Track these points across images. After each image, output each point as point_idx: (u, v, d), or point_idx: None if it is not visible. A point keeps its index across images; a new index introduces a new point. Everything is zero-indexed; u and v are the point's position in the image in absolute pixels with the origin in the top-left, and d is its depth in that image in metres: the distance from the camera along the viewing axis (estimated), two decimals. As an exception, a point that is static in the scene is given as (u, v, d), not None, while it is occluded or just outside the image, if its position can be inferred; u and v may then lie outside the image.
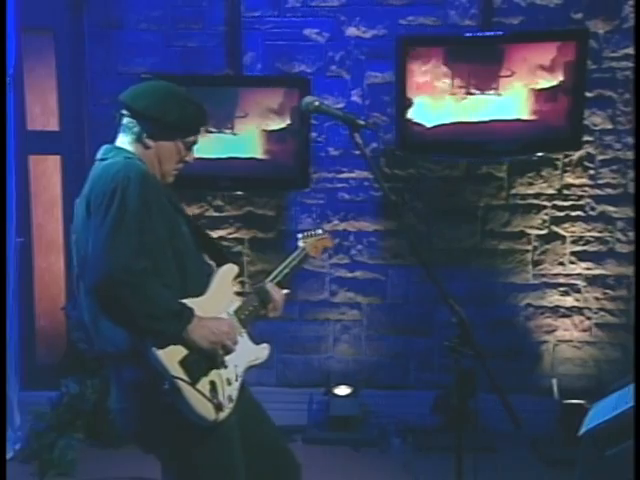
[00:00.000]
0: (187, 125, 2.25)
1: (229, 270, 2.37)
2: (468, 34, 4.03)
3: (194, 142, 2.30)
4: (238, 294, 2.41)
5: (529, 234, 4.33)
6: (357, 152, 3.90)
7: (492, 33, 4.03)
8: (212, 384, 2.15)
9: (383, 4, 4.22)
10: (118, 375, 2.18)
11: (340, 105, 4.26)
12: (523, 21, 4.19)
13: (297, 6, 4.25)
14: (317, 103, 2.28)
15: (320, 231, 2.79)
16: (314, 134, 4.25)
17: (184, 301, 2.13)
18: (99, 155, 2.26)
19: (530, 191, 4.30)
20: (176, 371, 2.08)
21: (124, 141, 2.24)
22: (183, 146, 2.27)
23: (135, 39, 4.28)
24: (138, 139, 2.23)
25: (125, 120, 2.24)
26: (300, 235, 2.71)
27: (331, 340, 4.36)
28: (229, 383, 2.22)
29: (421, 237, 4.16)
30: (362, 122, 2.20)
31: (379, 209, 4.32)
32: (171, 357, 2.09)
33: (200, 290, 2.23)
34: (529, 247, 4.33)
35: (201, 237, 2.35)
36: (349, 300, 4.39)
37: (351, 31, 4.26)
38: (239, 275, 2.44)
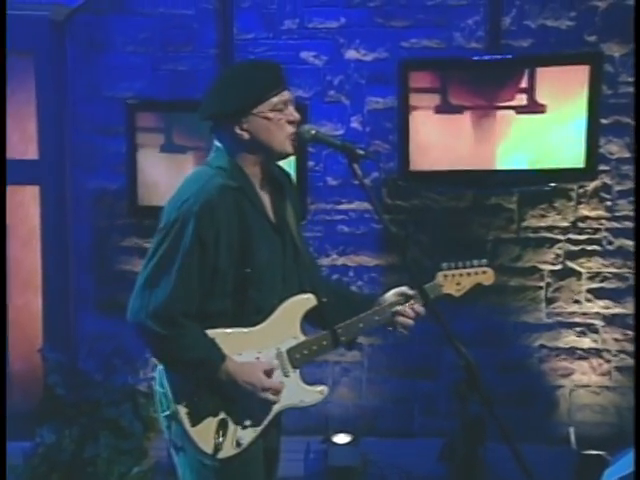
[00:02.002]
0: (255, 95, 2.22)
1: (301, 302, 2.35)
2: (476, 57, 4.03)
3: (283, 102, 2.25)
4: (322, 325, 2.38)
5: (542, 270, 4.30)
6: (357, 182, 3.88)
7: (500, 56, 4.03)
8: (222, 423, 2.25)
9: (384, 26, 4.20)
10: None
11: (339, 132, 4.24)
12: (533, 44, 4.17)
13: (293, 28, 4.23)
14: (314, 131, 2.29)
15: (476, 263, 2.56)
16: (311, 163, 4.21)
17: (227, 331, 2.22)
18: (209, 155, 2.32)
19: (542, 224, 4.28)
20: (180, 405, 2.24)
21: (221, 146, 2.29)
22: (273, 112, 2.23)
23: (121, 62, 4.26)
24: (230, 139, 2.25)
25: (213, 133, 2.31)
26: (445, 265, 2.53)
27: (329, 383, 4.31)
28: (244, 427, 2.28)
29: (426, 272, 3.87)
30: (361, 151, 2.21)
31: (381, 243, 4.29)
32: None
33: (260, 319, 2.28)
34: (542, 284, 4.30)
35: (297, 261, 2.35)
36: None
37: (350, 54, 4.24)
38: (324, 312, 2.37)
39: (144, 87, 4.26)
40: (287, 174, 2.47)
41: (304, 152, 4.02)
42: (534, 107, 3.94)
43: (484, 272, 2.56)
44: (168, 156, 4.03)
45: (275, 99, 2.24)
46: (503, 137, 3.99)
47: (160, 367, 2.32)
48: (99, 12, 4.24)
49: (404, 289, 2.45)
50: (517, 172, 3.99)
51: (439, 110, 3.96)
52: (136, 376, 4.24)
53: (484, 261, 2.55)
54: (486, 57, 4.03)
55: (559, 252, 4.29)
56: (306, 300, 2.37)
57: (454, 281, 2.53)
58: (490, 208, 4.26)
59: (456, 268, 2.53)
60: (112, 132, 4.23)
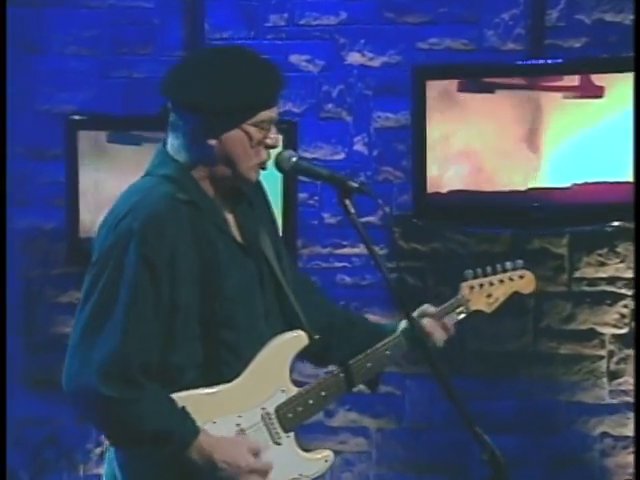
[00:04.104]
0: (249, 101, 2.18)
1: (288, 342, 2.29)
2: (519, 62, 3.91)
3: (269, 119, 2.20)
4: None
5: (602, 334, 4.06)
6: (364, 220, 3.73)
7: (546, 61, 3.87)
8: None
9: (396, 22, 4.03)
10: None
11: (339, 156, 4.10)
12: (587, 43, 3.97)
13: (281, 24, 4.08)
14: (295, 159, 2.27)
15: (509, 265, 2.48)
16: (303, 195, 4.06)
17: (197, 392, 2.16)
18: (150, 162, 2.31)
19: (602, 274, 4.05)
20: None
21: (174, 145, 2.21)
22: (256, 129, 2.19)
23: (60, 67, 4.13)
24: (193, 140, 2.19)
25: (171, 117, 2.21)
26: (469, 272, 2.47)
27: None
28: None
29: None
30: (355, 184, 2.20)
31: (392, 297, 3.96)
32: None
33: (241, 369, 2.24)
34: (603, 352, 4.06)
35: (280, 293, 2.32)
36: (352, 423, 4.17)
37: (353, 57, 4.09)
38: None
39: (90, 98, 4.14)
40: (255, 190, 2.38)
41: (294, 181, 3.86)
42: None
43: (521, 276, 2.49)
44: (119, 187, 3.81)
45: (265, 114, 2.20)
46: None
47: (110, 453, 2.23)
48: (34, 4, 4.11)
49: (426, 307, 2.43)
50: (568, 207, 3.81)
51: (465, 129, 3.88)
52: (75, 473, 4.07)
53: (520, 262, 2.49)
54: (531, 62, 3.89)
55: (624, 311, 4.08)
56: (294, 339, 2.28)
57: (483, 293, 2.47)
58: (533, 254, 4.00)
59: (485, 275, 2.46)
60: (48, 156, 4.10)
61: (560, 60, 3.86)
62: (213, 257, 2.19)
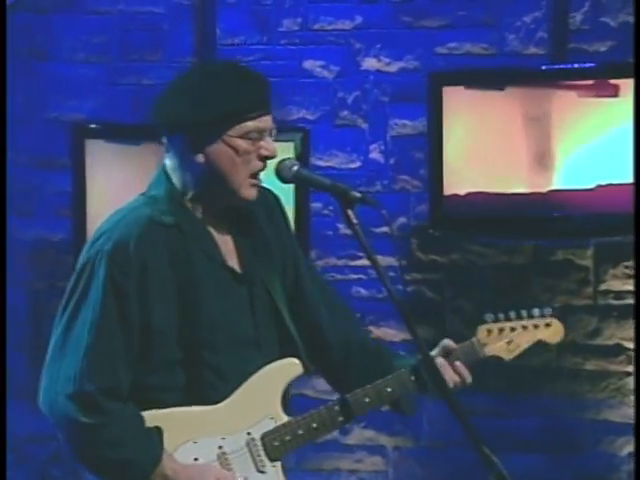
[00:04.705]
0: (224, 111, 2.16)
1: (282, 369, 2.28)
2: (543, 67, 3.86)
3: (259, 129, 2.18)
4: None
5: (628, 349, 4.02)
6: (379, 230, 3.70)
7: (572, 65, 3.85)
8: None
9: (413, 26, 4.02)
10: None
11: (354, 165, 4.08)
12: (613, 47, 3.95)
13: (294, 29, 4.07)
14: (295, 168, 2.24)
15: (536, 312, 2.42)
16: (317, 204, 4.01)
17: (175, 410, 2.16)
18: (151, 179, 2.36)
19: (628, 287, 4.01)
20: None
21: (169, 165, 2.24)
22: (243, 140, 2.17)
23: (69, 74, 4.12)
24: (182, 159, 2.20)
25: (163, 139, 2.24)
26: (489, 316, 2.40)
27: (339, 502, 4.22)
28: None
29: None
30: (357, 194, 2.17)
31: (410, 310, 3.89)
32: None
33: (226, 392, 2.22)
34: (629, 368, 4.01)
35: (279, 319, 2.31)
36: (368, 441, 4.14)
37: (369, 63, 4.08)
38: None
39: (99, 106, 4.14)
40: (271, 198, 2.37)
41: (307, 191, 3.86)
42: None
43: (548, 325, 2.43)
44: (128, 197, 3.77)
45: (250, 124, 2.17)
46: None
47: None
48: (41, 10, 4.11)
49: (447, 342, 2.38)
50: (594, 217, 3.77)
51: (484, 136, 3.89)
52: (82, 493, 4.18)
53: (548, 310, 2.43)
54: (555, 66, 3.85)
55: (653, 325, 4.08)
56: (288, 367, 2.27)
57: (503, 338, 2.40)
58: (556, 265, 4.03)
59: (507, 319, 2.39)
60: (56, 165, 4.09)
61: (587, 64, 3.81)
62: (191, 281, 2.18)
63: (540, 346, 3.86)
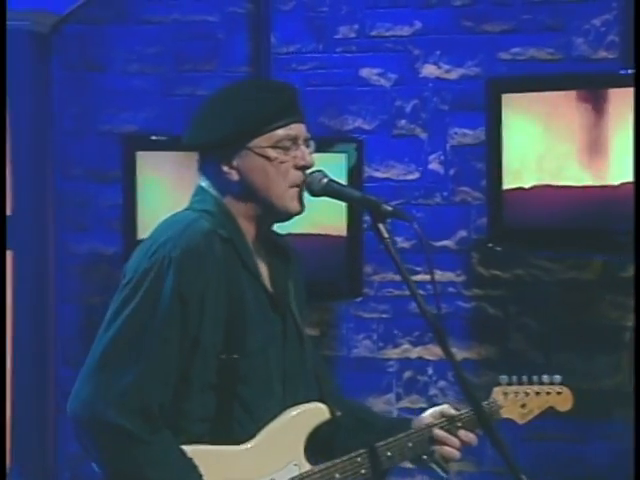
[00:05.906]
0: (252, 121, 2.17)
1: (309, 414, 2.25)
2: (623, 71, 3.73)
3: (291, 137, 2.17)
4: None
5: None
6: (439, 244, 3.95)
7: None
8: None
9: (475, 31, 3.98)
10: None
11: (413, 176, 4.05)
12: None
13: (351, 36, 4.07)
14: (325, 180, 2.21)
15: (546, 379, 2.48)
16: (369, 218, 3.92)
17: (205, 448, 2.11)
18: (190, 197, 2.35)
19: None
20: None
21: (206, 185, 2.24)
22: (274, 150, 2.16)
23: (122, 85, 4.17)
24: (216, 177, 2.20)
25: (199, 163, 2.28)
26: (504, 378, 2.44)
27: None
28: None
29: (535, 371, 3.30)
30: (389, 207, 2.16)
31: (472, 327, 4.05)
32: None
33: (252, 431, 2.19)
34: None
35: (303, 356, 2.29)
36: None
37: (428, 70, 4.06)
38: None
39: (152, 118, 4.18)
40: (293, 250, 2.38)
41: None
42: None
43: (559, 393, 2.48)
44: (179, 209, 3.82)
45: (280, 132, 2.17)
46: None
47: None
48: (94, 21, 4.16)
49: (445, 407, 2.36)
50: None
51: (552, 148, 3.79)
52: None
53: (557, 378, 2.49)
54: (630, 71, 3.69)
55: None
56: (316, 412, 2.24)
57: (517, 402, 2.45)
58: (626, 281, 3.87)
59: (520, 383, 2.45)
60: (109, 178, 4.12)
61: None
62: (241, 302, 2.17)
63: (611, 367, 3.94)
